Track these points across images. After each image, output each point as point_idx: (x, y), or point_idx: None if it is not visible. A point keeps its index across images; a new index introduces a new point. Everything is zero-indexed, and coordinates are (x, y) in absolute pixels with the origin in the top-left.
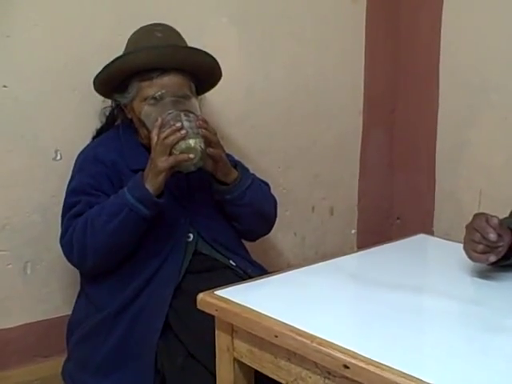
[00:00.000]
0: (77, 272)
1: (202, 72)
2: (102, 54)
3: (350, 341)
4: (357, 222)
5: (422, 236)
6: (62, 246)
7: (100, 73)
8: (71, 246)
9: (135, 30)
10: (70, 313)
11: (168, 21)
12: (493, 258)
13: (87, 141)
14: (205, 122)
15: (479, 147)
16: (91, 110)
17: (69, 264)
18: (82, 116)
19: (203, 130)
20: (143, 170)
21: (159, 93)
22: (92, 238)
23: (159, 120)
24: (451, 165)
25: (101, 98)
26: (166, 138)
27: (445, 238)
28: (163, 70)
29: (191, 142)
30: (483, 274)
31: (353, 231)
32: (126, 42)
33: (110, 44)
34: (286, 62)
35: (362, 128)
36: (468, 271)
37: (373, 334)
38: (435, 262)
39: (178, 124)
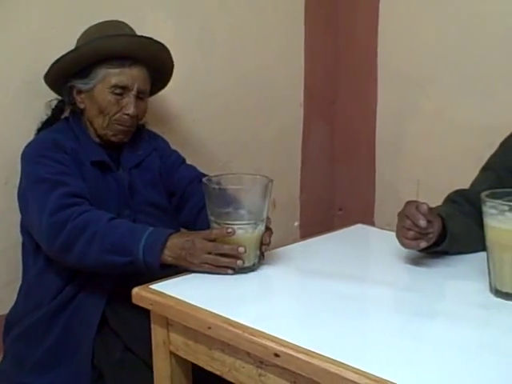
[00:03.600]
0: (13, 271)
1: (162, 71)
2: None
3: (282, 330)
4: (299, 214)
5: (359, 226)
6: (48, 223)
7: (66, 55)
8: (61, 229)
9: (74, 26)
10: (6, 312)
11: (104, 16)
12: (423, 244)
13: None
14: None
15: (417, 139)
16: None
17: (4, 263)
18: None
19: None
20: (103, 162)
21: (126, 82)
22: (85, 247)
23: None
24: (390, 156)
25: None
26: (224, 254)
27: (385, 228)
28: (134, 61)
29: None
30: (416, 261)
31: (296, 223)
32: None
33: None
34: (226, 55)
35: (302, 120)
36: (402, 259)
37: (306, 323)
38: (371, 250)
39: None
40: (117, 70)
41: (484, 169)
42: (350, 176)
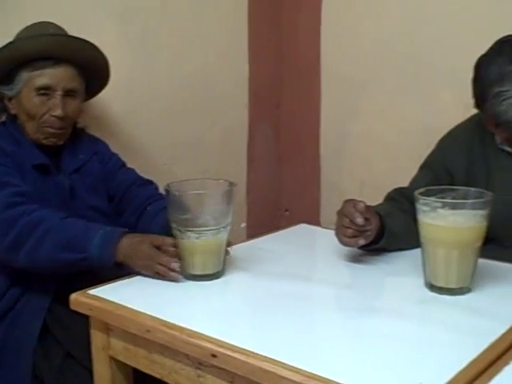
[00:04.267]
0: None
1: (94, 68)
2: None
3: (220, 331)
4: (246, 215)
5: (302, 226)
6: None
7: None
8: (11, 226)
9: (10, 29)
10: None
11: (45, 17)
12: (362, 242)
13: None
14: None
15: (360, 139)
16: None
17: None
18: None
19: None
20: (43, 165)
21: (50, 83)
22: (37, 244)
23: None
24: (335, 157)
25: None
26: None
27: (330, 228)
28: (57, 61)
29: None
30: (357, 259)
31: (242, 225)
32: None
33: None
34: (168, 57)
35: (248, 122)
36: (343, 257)
37: (245, 323)
38: (313, 250)
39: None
40: (39, 72)
41: (422, 167)
42: (296, 177)
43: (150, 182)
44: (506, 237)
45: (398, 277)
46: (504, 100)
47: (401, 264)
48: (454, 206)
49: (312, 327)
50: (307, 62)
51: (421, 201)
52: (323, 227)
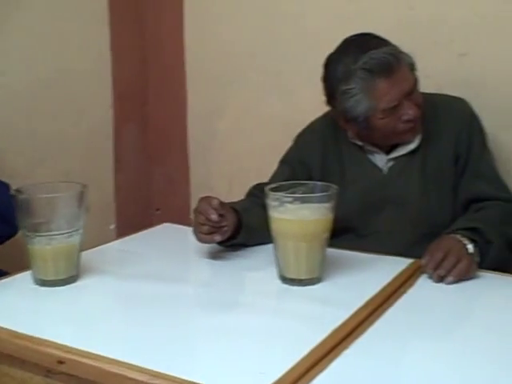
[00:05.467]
0: None
1: None
2: None
3: (70, 337)
4: (115, 216)
5: (165, 225)
6: None
7: None
8: None
9: None
10: None
11: None
12: (218, 238)
13: None
14: None
15: (227, 136)
16: None
17: None
18: None
19: None
20: None
21: None
22: None
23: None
24: (203, 154)
25: None
26: None
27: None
28: None
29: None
30: (216, 255)
31: (111, 226)
32: None
33: None
34: (23, 57)
35: (113, 122)
36: (203, 254)
37: (95, 328)
38: (174, 249)
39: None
40: None
41: (281, 162)
42: (166, 176)
43: (4, 184)
44: (361, 226)
45: (255, 271)
46: (351, 97)
47: (259, 258)
48: (299, 200)
49: (167, 327)
50: (172, 60)
51: (270, 196)
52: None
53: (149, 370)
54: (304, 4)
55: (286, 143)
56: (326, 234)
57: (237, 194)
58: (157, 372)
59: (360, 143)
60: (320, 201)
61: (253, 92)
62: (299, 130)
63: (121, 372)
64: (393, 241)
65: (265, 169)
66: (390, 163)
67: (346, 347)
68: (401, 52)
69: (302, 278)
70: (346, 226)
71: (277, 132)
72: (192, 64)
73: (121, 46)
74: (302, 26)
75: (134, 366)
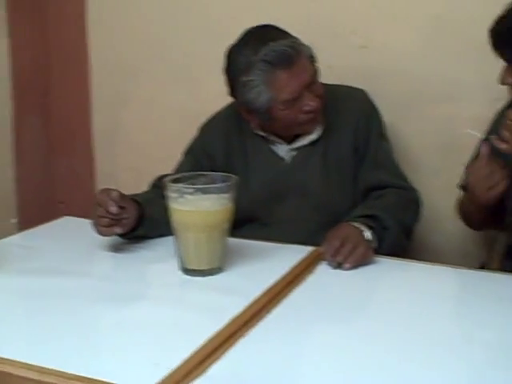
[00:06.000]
0: None
1: None
2: None
3: None
4: (17, 210)
5: (66, 218)
6: None
7: None
8: None
9: None
10: None
11: None
12: (118, 230)
13: None
14: None
15: (133, 127)
16: None
17: None
18: None
19: None
20: None
21: None
22: None
23: None
24: (108, 146)
25: None
26: None
27: None
28: None
29: None
30: (118, 248)
31: (13, 220)
32: None
33: None
34: None
35: (12, 115)
36: (103, 247)
37: None
38: (75, 242)
39: None
40: None
41: (185, 153)
42: (69, 168)
43: None
44: (264, 216)
45: (157, 263)
46: (252, 88)
47: (161, 250)
48: (200, 191)
49: (67, 322)
50: (75, 50)
51: (169, 187)
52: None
53: (37, 366)
54: None
55: (193, 134)
56: (227, 224)
57: (144, 186)
58: (46, 368)
59: (263, 134)
60: (220, 191)
61: (158, 82)
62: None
63: (6, 370)
64: (296, 229)
65: (172, 159)
66: (293, 153)
67: (242, 335)
68: (301, 44)
69: (203, 268)
70: (250, 215)
71: (184, 122)
72: (96, 53)
73: (20, 35)
74: (206, 16)
75: (20, 363)
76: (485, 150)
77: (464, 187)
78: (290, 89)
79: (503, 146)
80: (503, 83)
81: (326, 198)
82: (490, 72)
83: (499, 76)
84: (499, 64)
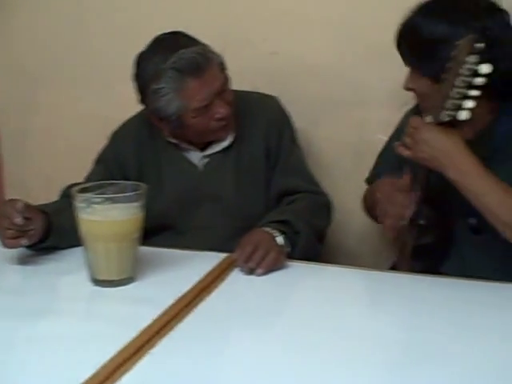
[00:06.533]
0: None
1: None
2: None
3: None
4: None
5: None
6: None
7: None
8: None
9: None
10: None
11: None
12: (25, 242)
13: None
14: None
15: (42, 134)
16: None
17: None
18: None
19: None
20: None
21: None
22: None
23: None
24: (17, 153)
25: None
26: None
27: None
28: None
29: None
30: (25, 260)
31: None
32: None
33: None
34: None
35: None
36: (10, 260)
37: None
38: None
39: None
40: None
41: (96, 162)
42: None
43: None
44: (179, 223)
45: (67, 275)
46: (162, 97)
47: (72, 261)
48: (108, 201)
49: None
50: None
51: (77, 197)
52: None
53: None
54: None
55: (105, 141)
56: (137, 234)
57: (55, 195)
58: None
59: (175, 141)
60: (129, 200)
61: (68, 88)
62: (116, 126)
63: None
64: (211, 236)
65: (84, 167)
66: (205, 160)
67: (153, 345)
68: (211, 51)
69: (114, 278)
70: (164, 223)
71: (95, 129)
72: (1, 59)
73: None
74: (116, 20)
75: None
76: (406, 178)
77: (369, 180)
78: (201, 97)
79: (406, 153)
80: (406, 88)
81: (240, 205)
82: (398, 77)
83: (404, 81)
84: (406, 69)
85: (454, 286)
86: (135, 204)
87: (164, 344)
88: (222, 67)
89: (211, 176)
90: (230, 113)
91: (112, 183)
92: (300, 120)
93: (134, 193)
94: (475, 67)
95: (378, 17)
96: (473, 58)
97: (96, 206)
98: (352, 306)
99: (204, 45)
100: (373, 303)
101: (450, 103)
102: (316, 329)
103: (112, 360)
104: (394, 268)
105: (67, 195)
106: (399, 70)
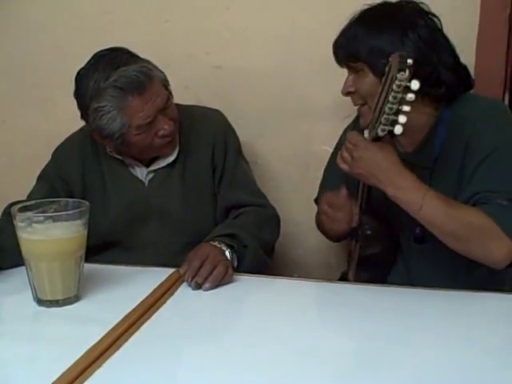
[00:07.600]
0: None
1: None
2: None
3: None
4: None
5: None
6: None
7: None
8: None
9: None
10: None
11: None
12: None
13: None
14: None
15: None
16: None
17: None
18: None
19: None
20: None
21: None
22: None
23: None
24: None
25: None
26: None
27: None
28: None
29: None
30: None
31: None
32: None
33: None
34: None
35: None
36: None
37: None
38: None
39: None
40: None
41: (39, 178)
42: None
43: None
44: (126, 239)
45: (11, 295)
46: (104, 115)
47: (15, 281)
48: (49, 219)
49: None
50: None
51: (17, 216)
52: None
53: None
54: (54, 14)
55: (49, 157)
56: (81, 251)
57: None
58: None
59: (119, 157)
60: (71, 218)
61: (9, 104)
62: (60, 140)
63: None
64: (158, 252)
65: (26, 185)
66: (151, 175)
67: (99, 366)
68: (152, 68)
69: (58, 298)
70: (110, 239)
71: (38, 145)
72: None
73: None
74: (58, 34)
75: None
76: (342, 195)
77: (317, 200)
78: (143, 114)
79: (343, 166)
80: (346, 93)
81: (187, 219)
82: (339, 90)
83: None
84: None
85: (400, 295)
86: (78, 222)
87: (111, 364)
88: (164, 83)
89: (157, 191)
90: (174, 129)
91: (53, 201)
92: (245, 133)
93: (76, 210)
94: (406, 84)
95: (321, 31)
96: (403, 75)
97: (36, 225)
98: (301, 318)
99: (146, 61)
100: (322, 314)
101: (384, 118)
102: (266, 342)
103: (58, 382)
104: (343, 278)
105: (8, 213)
106: (343, 82)
